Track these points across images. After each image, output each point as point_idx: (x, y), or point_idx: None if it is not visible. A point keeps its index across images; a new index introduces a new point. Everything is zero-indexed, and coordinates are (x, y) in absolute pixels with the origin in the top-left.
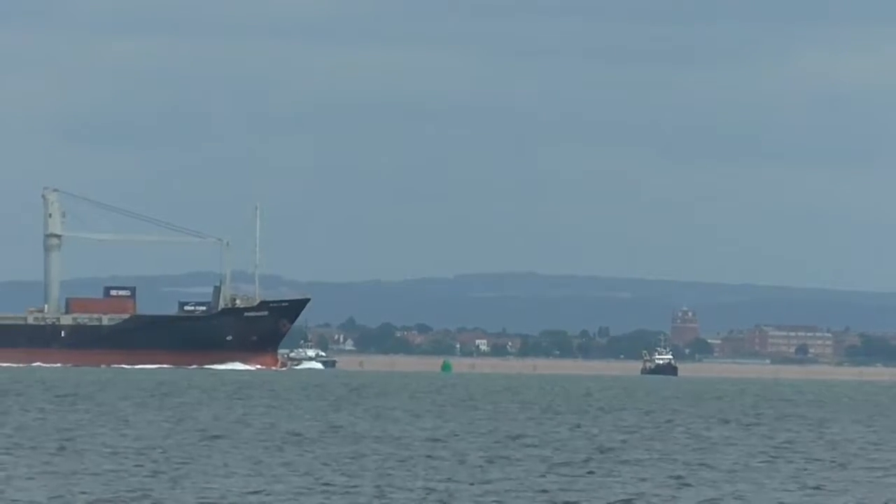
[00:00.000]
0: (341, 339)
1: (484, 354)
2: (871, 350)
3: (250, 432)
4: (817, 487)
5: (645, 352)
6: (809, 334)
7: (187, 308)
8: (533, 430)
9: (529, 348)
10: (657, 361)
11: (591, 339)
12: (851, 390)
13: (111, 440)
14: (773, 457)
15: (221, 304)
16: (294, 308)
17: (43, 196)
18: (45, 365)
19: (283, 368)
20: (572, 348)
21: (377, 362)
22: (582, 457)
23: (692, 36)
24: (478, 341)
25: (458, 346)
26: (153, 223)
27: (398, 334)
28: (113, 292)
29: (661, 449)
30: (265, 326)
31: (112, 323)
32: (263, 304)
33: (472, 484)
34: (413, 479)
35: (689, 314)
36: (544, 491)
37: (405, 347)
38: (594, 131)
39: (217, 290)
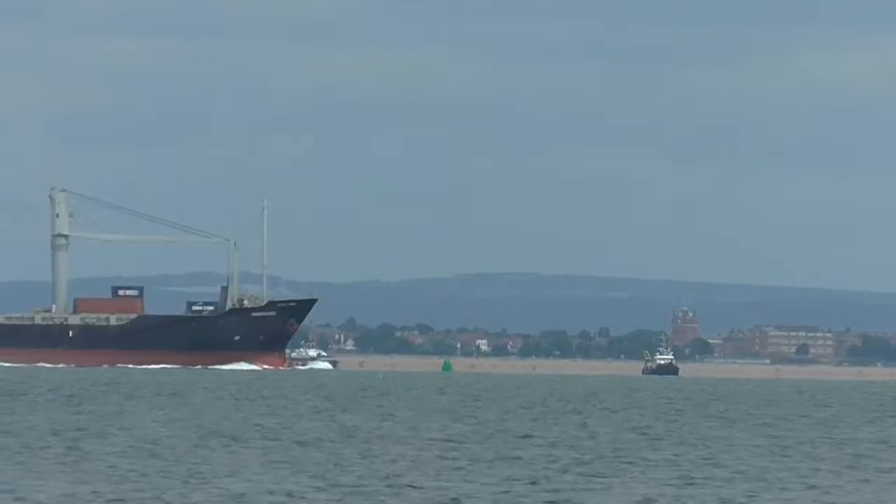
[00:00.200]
0: (341, 340)
1: (484, 354)
2: (871, 350)
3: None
4: (827, 489)
5: (646, 352)
6: (810, 334)
7: (195, 308)
8: (541, 430)
9: (530, 348)
10: (658, 362)
11: (591, 340)
12: (854, 389)
13: (122, 440)
14: (783, 457)
15: (229, 305)
16: (302, 308)
17: (50, 196)
18: (50, 365)
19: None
20: (572, 348)
21: (377, 363)
22: (590, 457)
23: (692, 36)
24: (478, 341)
25: (458, 346)
26: (159, 223)
27: (398, 334)
28: (121, 292)
29: (671, 449)
30: (273, 326)
31: (120, 323)
32: (271, 305)
33: (483, 484)
34: (425, 478)
35: (690, 314)
36: (556, 490)
37: (405, 347)
38: (594, 131)
39: (224, 290)
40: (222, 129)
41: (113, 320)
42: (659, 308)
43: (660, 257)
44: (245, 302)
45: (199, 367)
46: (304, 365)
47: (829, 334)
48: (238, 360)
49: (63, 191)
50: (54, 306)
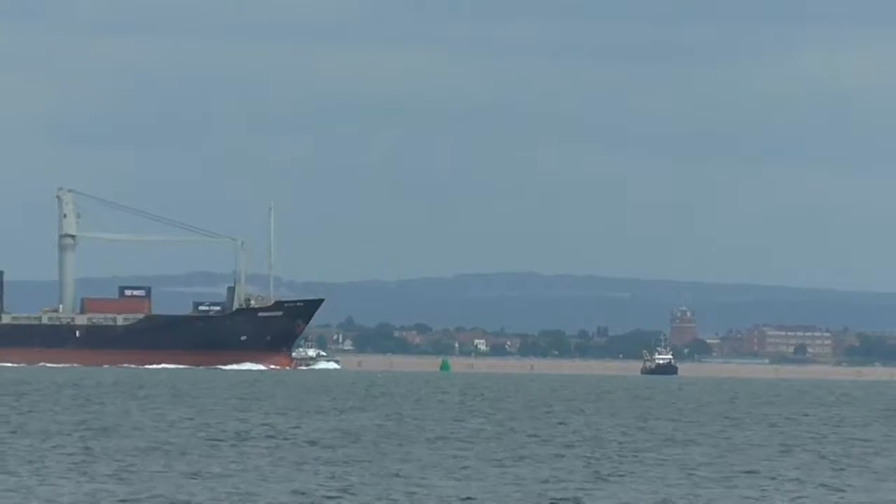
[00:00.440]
0: (340, 339)
1: (483, 354)
2: (869, 350)
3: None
4: (841, 487)
5: (645, 352)
6: (808, 334)
7: (202, 308)
8: (550, 430)
9: (528, 348)
10: (657, 361)
11: (589, 339)
12: (856, 389)
13: (132, 441)
14: (793, 456)
15: (236, 305)
16: (309, 309)
17: (57, 197)
18: (56, 365)
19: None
20: (570, 348)
21: (375, 362)
22: (600, 457)
23: (692, 36)
24: (477, 341)
25: (456, 345)
26: (166, 223)
27: (396, 334)
28: (128, 292)
29: (684, 449)
30: (280, 327)
31: (127, 323)
32: (278, 305)
33: (497, 485)
34: (441, 478)
35: (688, 314)
36: (567, 490)
37: (404, 347)
38: (594, 131)
39: (231, 290)
40: (222, 129)
41: (120, 320)
42: (657, 308)
43: (658, 257)
44: (252, 302)
45: (208, 366)
46: (307, 365)
47: (828, 334)
48: (244, 360)
49: (70, 191)
50: (61, 306)
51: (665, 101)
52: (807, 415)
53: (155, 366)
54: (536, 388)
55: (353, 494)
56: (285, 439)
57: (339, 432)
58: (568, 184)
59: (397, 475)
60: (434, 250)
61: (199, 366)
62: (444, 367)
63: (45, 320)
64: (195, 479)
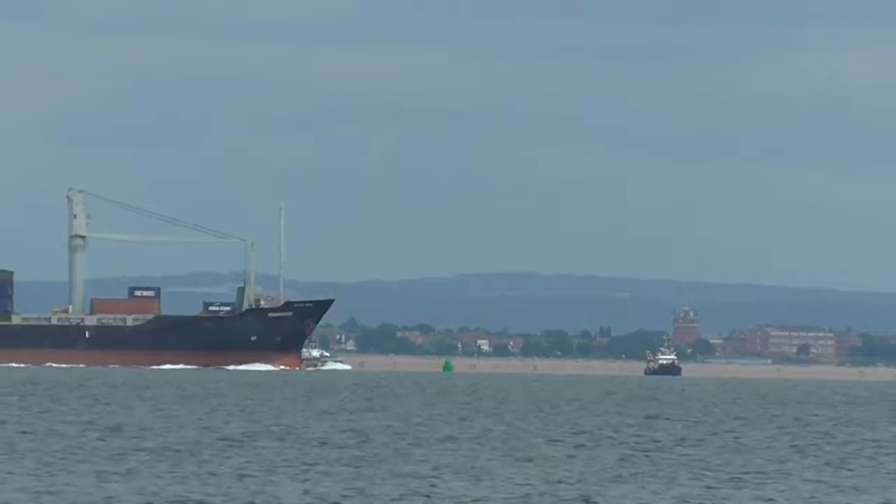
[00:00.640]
0: (342, 340)
1: (485, 355)
2: (872, 350)
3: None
4: (853, 487)
5: (648, 352)
6: (811, 334)
7: (212, 308)
8: (559, 430)
9: (531, 348)
10: (661, 361)
11: (591, 339)
12: (861, 389)
13: (143, 442)
14: (805, 456)
15: (246, 305)
16: (319, 309)
17: (67, 197)
18: (66, 366)
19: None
20: (573, 348)
21: (378, 363)
22: (614, 457)
23: (692, 36)
24: (479, 341)
25: (459, 346)
26: (176, 224)
27: (399, 334)
28: (137, 293)
29: (695, 450)
30: (289, 327)
31: (136, 323)
32: (288, 305)
33: (509, 485)
34: (457, 479)
35: (691, 314)
36: (581, 491)
37: (406, 347)
38: (594, 131)
39: (241, 290)
40: (222, 129)
41: (129, 321)
42: (660, 308)
43: (660, 257)
44: (262, 302)
45: (215, 367)
46: (314, 366)
47: (831, 334)
48: (254, 360)
49: (81, 192)
50: (71, 307)
51: (665, 101)
52: (816, 415)
53: (165, 366)
54: (540, 388)
55: (367, 496)
56: (298, 441)
57: (351, 432)
58: (568, 184)
59: (410, 475)
60: (435, 250)
61: (208, 366)
62: (447, 367)
63: (55, 321)
64: (211, 477)
